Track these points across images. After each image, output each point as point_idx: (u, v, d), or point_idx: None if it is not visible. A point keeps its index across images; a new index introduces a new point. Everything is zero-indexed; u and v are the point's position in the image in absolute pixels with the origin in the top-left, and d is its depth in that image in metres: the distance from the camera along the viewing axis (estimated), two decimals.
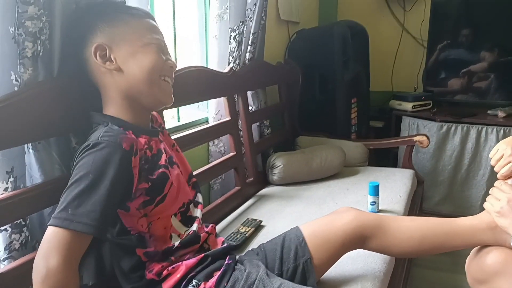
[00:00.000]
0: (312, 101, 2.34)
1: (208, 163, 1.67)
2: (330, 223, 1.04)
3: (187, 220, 0.99)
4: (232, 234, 1.35)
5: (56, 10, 0.86)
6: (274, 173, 1.87)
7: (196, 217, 1.02)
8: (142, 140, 0.90)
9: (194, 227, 0.99)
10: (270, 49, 2.13)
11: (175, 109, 1.62)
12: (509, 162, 1.06)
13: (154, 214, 0.90)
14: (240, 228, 1.40)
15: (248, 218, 1.49)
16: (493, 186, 1.07)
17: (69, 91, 0.92)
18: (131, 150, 0.83)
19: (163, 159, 0.93)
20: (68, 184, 0.79)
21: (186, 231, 0.97)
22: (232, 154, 1.67)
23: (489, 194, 1.06)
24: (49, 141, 0.92)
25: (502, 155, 1.08)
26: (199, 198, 1.07)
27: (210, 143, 1.70)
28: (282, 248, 1.03)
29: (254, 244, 1.32)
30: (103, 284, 1.04)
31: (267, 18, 1.92)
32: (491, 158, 1.11)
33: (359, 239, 1.02)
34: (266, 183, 1.91)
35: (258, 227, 1.44)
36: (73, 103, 0.93)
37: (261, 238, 1.35)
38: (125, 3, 1.01)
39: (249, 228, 1.41)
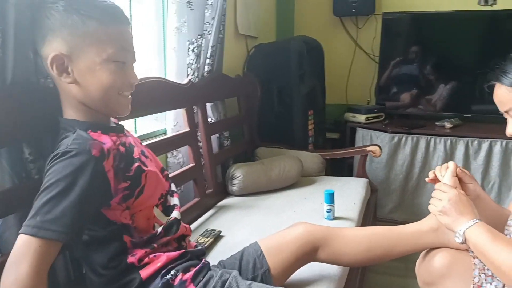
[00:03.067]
0: (271, 113, 2.39)
1: None
2: (284, 236, 1.10)
3: (168, 210, 1.02)
4: None
5: (9, 17, 0.85)
6: (234, 184, 1.89)
7: (175, 204, 1.04)
8: (112, 138, 0.89)
9: (175, 214, 1.01)
10: (229, 62, 2.17)
11: (132, 120, 1.60)
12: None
13: (136, 206, 0.91)
14: (199, 239, 1.40)
15: (207, 229, 1.49)
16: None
17: (23, 100, 0.90)
18: (102, 155, 0.83)
19: (136, 152, 0.95)
20: (39, 192, 0.78)
21: (167, 219, 1.00)
22: (191, 165, 1.67)
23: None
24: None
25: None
26: (174, 187, 1.09)
27: (169, 155, 1.69)
28: (240, 261, 1.07)
29: (214, 253, 1.33)
30: None
31: (226, 32, 1.95)
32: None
33: (311, 250, 1.08)
34: (226, 194, 1.92)
35: (217, 237, 1.45)
36: (27, 111, 0.91)
37: (221, 248, 1.36)
38: None
39: (208, 238, 1.41)
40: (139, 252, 0.91)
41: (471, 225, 0.97)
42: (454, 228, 1.01)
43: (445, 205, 1.03)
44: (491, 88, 0.99)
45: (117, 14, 0.88)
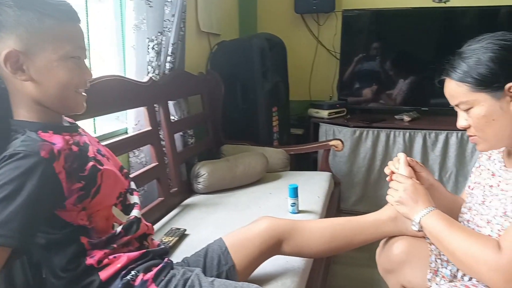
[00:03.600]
0: (235, 110, 2.40)
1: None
2: (248, 231, 1.11)
3: (127, 208, 0.99)
4: None
5: None
6: (199, 182, 1.88)
7: (135, 203, 1.02)
8: (65, 137, 0.87)
9: (135, 212, 0.99)
10: (192, 60, 2.15)
11: (91, 120, 1.56)
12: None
13: (92, 206, 0.88)
14: (163, 238, 1.39)
15: (171, 228, 1.48)
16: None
17: None
18: (52, 156, 0.80)
19: (91, 151, 0.92)
20: None
21: (127, 219, 0.97)
22: (154, 164, 1.65)
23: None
24: None
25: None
26: (133, 185, 1.06)
27: (131, 154, 1.66)
28: (205, 258, 1.07)
29: (179, 253, 1.32)
30: None
31: (187, 29, 1.94)
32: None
33: (275, 243, 1.09)
34: (191, 192, 1.91)
35: (182, 236, 1.44)
36: None
37: (185, 247, 1.35)
38: None
39: (173, 237, 1.40)
40: (98, 254, 0.89)
41: (426, 213, 1.01)
42: (410, 217, 1.05)
43: (401, 195, 1.07)
44: (442, 82, 1.03)
45: (71, 11, 0.87)
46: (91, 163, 0.89)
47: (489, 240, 0.91)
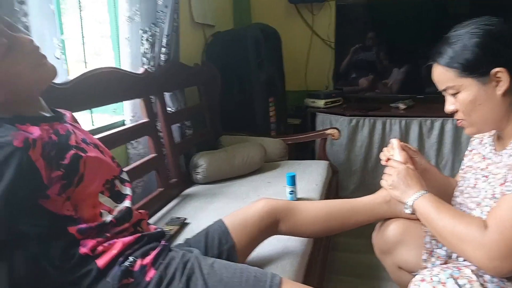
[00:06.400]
0: (232, 101, 2.40)
1: (128, 166, 1.64)
2: (246, 211, 1.13)
3: (116, 196, 0.98)
4: None
5: None
6: (198, 172, 1.89)
7: (127, 194, 1.00)
8: (43, 127, 0.86)
9: (126, 203, 0.98)
10: (187, 51, 2.16)
11: (88, 113, 1.57)
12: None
13: (77, 195, 0.87)
14: (164, 227, 1.40)
15: (172, 217, 1.49)
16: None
17: None
18: (26, 145, 0.79)
19: (73, 139, 0.91)
20: None
21: (116, 207, 0.96)
22: (152, 155, 1.66)
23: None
24: None
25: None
26: (125, 176, 1.05)
27: (129, 146, 1.67)
28: (206, 238, 1.09)
29: (180, 241, 1.33)
30: None
31: (181, 21, 1.94)
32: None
33: (272, 222, 1.12)
34: (190, 183, 1.92)
35: (182, 224, 1.45)
36: None
37: (186, 235, 1.35)
38: None
39: (174, 226, 1.42)
40: (91, 242, 0.88)
41: (418, 197, 1.03)
42: (403, 200, 1.07)
43: (394, 179, 1.09)
44: (430, 68, 1.04)
45: None
46: (72, 151, 0.88)
47: (474, 219, 0.92)
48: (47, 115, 0.93)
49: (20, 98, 0.86)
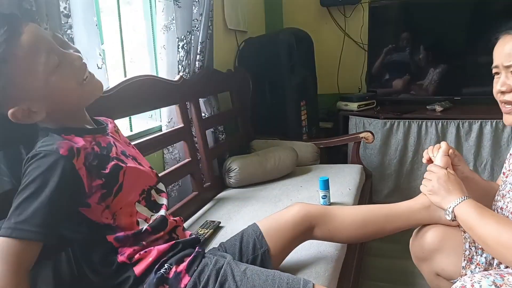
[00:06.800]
0: (264, 105, 2.43)
1: (164, 170, 1.69)
2: (281, 216, 1.13)
3: (152, 205, 1.01)
4: None
5: None
6: (231, 176, 1.92)
7: (162, 204, 1.04)
8: (87, 139, 0.91)
9: (162, 212, 1.01)
10: (220, 58, 2.20)
11: (127, 119, 1.63)
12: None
13: (115, 205, 0.91)
14: (199, 230, 1.43)
15: (206, 221, 1.52)
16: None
17: None
18: (71, 153, 0.84)
19: (114, 152, 0.95)
20: (14, 197, 0.81)
21: (152, 215, 0.99)
22: (187, 160, 1.70)
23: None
24: None
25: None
26: (162, 186, 1.08)
27: (165, 151, 1.72)
28: (241, 243, 1.10)
29: (214, 244, 1.36)
30: None
31: (215, 27, 1.98)
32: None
33: (307, 227, 1.11)
34: (224, 186, 1.95)
35: (216, 228, 1.48)
36: None
37: (220, 238, 1.39)
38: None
39: (208, 229, 1.44)
40: (128, 251, 0.92)
41: (459, 203, 1.01)
42: (443, 206, 1.05)
43: (434, 185, 1.07)
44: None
45: (9, 29, 0.79)
46: (113, 162, 0.92)
47: None
48: (90, 127, 0.97)
49: (66, 111, 0.91)
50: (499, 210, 1.07)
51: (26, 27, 0.82)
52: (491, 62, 1.03)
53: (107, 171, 0.90)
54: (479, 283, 0.85)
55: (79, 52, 0.92)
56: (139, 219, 0.96)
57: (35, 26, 0.85)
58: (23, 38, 0.80)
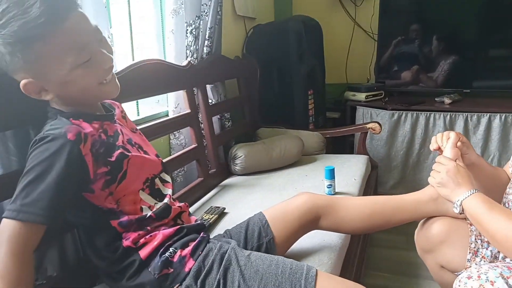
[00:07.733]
0: (271, 94, 2.41)
1: (170, 155, 1.69)
2: (287, 205, 1.13)
3: (156, 193, 1.02)
4: None
5: None
6: (236, 164, 1.92)
7: (166, 194, 1.04)
8: (94, 125, 0.91)
9: (166, 200, 1.02)
10: (228, 44, 2.18)
11: (134, 103, 1.63)
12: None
13: (119, 192, 0.92)
14: (203, 216, 1.44)
15: (211, 206, 1.53)
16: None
17: None
18: (78, 139, 0.84)
19: (120, 140, 0.95)
20: (20, 178, 0.81)
21: (156, 203, 1.00)
22: (193, 146, 1.70)
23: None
24: (5, 133, 0.93)
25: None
26: (166, 177, 1.08)
27: (171, 136, 1.72)
28: (246, 230, 1.10)
29: (218, 230, 1.37)
30: (67, 274, 1.06)
31: (224, 13, 1.96)
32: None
33: (313, 218, 1.11)
34: (229, 173, 1.96)
35: (221, 214, 1.48)
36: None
37: (225, 224, 1.40)
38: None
39: (213, 215, 1.45)
40: (132, 235, 0.92)
41: (468, 196, 1.00)
42: (452, 199, 1.04)
43: (443, 177, 1.06)
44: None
45: (52, 14, 0.78)
46: (118, 151, 0.92)
47: None
48: (98, 113, 0.97)
49: (78, 99, 0.91)
50: (510, 204, 1.06)
51: (73, 13, 0.82)
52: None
53: (113, 159, 0.91)
54: (485, 274, 0.85)
55: (112, 53, 0.92)
56: (143, 206, 0.97)
57: (81, 15, 0.84)
58: (66, 25, 0.80)
